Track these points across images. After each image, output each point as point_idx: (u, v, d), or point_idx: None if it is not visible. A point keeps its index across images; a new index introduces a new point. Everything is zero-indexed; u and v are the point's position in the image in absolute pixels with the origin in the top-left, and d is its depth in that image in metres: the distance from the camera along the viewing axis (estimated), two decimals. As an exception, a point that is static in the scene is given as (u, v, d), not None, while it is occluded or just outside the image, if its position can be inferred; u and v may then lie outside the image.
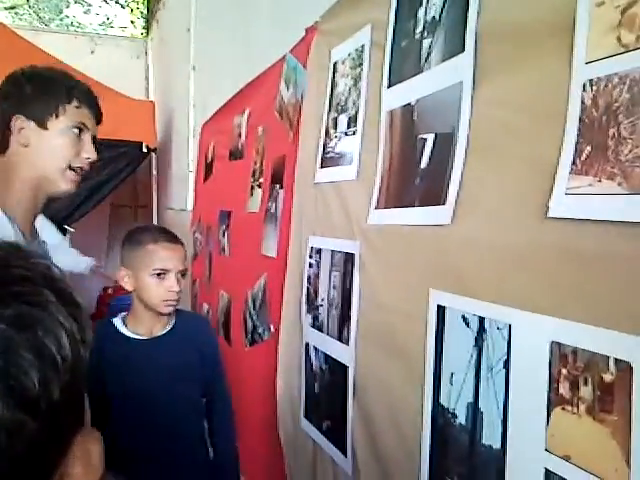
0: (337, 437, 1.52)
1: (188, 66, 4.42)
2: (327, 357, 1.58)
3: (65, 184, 1.37)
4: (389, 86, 1.37)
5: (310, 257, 1.71)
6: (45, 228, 2.65)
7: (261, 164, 2.39)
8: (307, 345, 1.71)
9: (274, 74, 2.37)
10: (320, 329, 1.62)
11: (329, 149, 1.67)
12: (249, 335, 2.26)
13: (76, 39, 7.84)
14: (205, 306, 3.26)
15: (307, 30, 1.93)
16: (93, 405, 1.41)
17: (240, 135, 2.81)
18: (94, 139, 1.42)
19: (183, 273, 1.64)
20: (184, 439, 1.61)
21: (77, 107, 1.37)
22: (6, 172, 1.36)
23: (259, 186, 2.38)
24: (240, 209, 2.61)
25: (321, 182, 1.69)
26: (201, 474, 1.63)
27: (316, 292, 1.66)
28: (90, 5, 12.63)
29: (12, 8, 13.59)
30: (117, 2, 10.36)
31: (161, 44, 6.35)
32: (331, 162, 1.64)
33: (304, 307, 1.73)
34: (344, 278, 1.50)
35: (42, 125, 1.34)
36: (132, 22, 9.24)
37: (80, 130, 1.38)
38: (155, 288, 1.60)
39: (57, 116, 1.35)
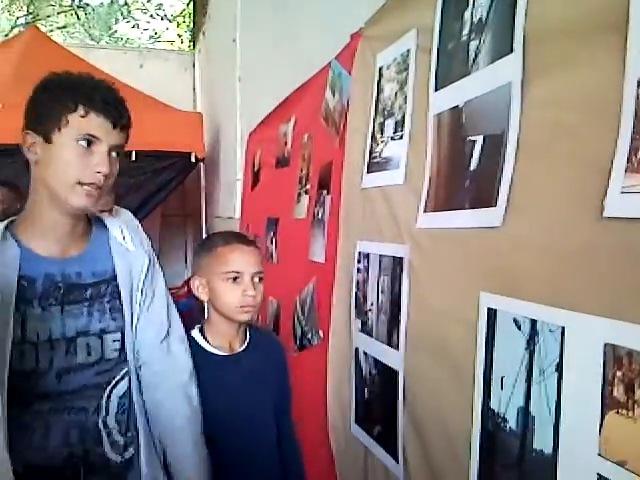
0: (388, 443, 1.51)
1: (234, 77, 4.48)
2: (377, 362, 1.58)
3: (76, 201, 1.23)
4: (436, 89, 1.37)
5: (358, 262, 1.71)
6: None
7: (307, 171, 2.40)
8: (357, 350, 1.71)
9: (319, 81, 2.39)
10: (369, 334, 1.62)
11: (376, 154, 1.67)
12: (298, 341, 2.27)
13: (125, 54, 8.05)
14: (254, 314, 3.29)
15: (352, 36, 1.95)
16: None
17: (286, 143, 2.83)
18: (115, 148, 1.26)
19: (260, 277, 1.52)
20: (264, 459, 1.53)
21: (83, 116, 1.21)
22: (31, 193, 1.30)
23: (306, 192, 2.40)
24: (287, 216, 2.63)
25: (368, 187, 1.69)
26: None
27: (365, 297, 1.66)
28: (137, 20, 12.94)
29: (64, 27, 14.03)
30: (164, 16, 10.60)
31: (207, 56, 6.46)
32: (378, 167, 1.64)
33: (353, 312, 1.73)
34: (393, 282, 1.50)
35: (47, 139, 1.22)
36: (179, 35, 9.46)
37: (89, 142, 1.22)
38: (230, 293, 1.48)
39: (59, 129, 1.21)
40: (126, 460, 1.35)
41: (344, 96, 1.99)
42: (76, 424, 1.29)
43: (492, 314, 1.08)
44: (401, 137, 1.53)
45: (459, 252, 1.21)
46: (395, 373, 1.46)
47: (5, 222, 1.29)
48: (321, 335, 2.03)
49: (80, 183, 1.21)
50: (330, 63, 2.20)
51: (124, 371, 1.36)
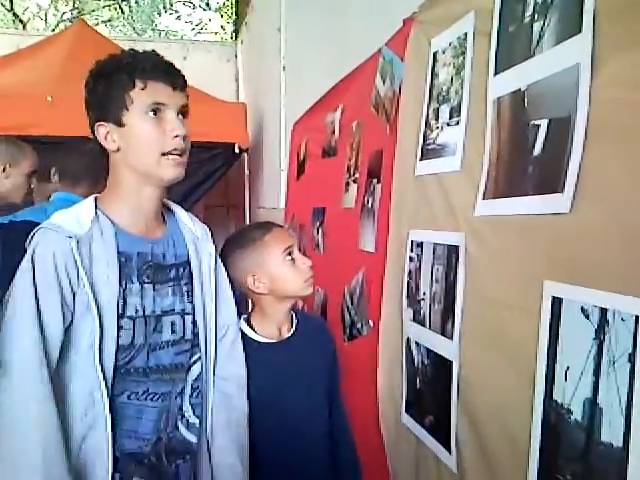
0: (440, 433, 1.49)
1: (279, 66, 4.47)
2: (429, 352, 1.55)
3: (167, 173, 1.27)
4: (496, 73, 1.33)
5: (411, 251, 1.69)
6: None
7: (356, 159, 2.38)
8: (408, 340, 1.69)
9: (369, 69, 2.37)
10: (422, 324, 1.60)
11: (430, 140, 1.64)
12: (347, 330, 2.26)
13: (169, 47, 8.13)
14: (300, 302, 3.29)
15: (404, 22, 1.91)
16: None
17: (333, 132, 2.81)
18: (181, 110, 1.29)
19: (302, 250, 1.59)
20: (316, 446, 1.54)
21: (142, 88, 1.24)
22: (111, 178, 1.35)
23: (354, 181, 2.38)
24: (335, 205, 2.62)
25: (422, 174, 1.66)
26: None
27: (417, 286, 1.64)
28: (179, 12, 13.06)
29: (108, 21, 14.25)
30: (207, 6, 10.64)
31: (251, 46, 6.47)
32: (433, 154, 1.61)
33: (405, 301, 1.71)
34: (447, 271, 1.47)
35: (119, 123, 1.26)
36: (222, 27, 9.51)
37: (156, 110, 1.25)
38: (292, 271, 1.50)
39: (126, 108, 1.25)
40: (200, 441, 1.42)
41: (395, 83, 1.97)
42: (164, 409, 1.35)
43: (557, 303, 1.05)
44: (457, 123, 1.50)
45: (520, 239, 1.18)
46: (449, 363, 1.44)
47: (91, 199, 1.34)
48: (371, 325, 2.01)
49: (163, 154, 1.26)
50: (380, 50, 2.17)
51: (197, 355, 1.42)
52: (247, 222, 5.29)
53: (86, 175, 2.34)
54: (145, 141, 1.25)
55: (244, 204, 5.43)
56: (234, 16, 8.20)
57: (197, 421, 1.42)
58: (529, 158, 1.16)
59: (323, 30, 3.59)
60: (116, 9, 14.24)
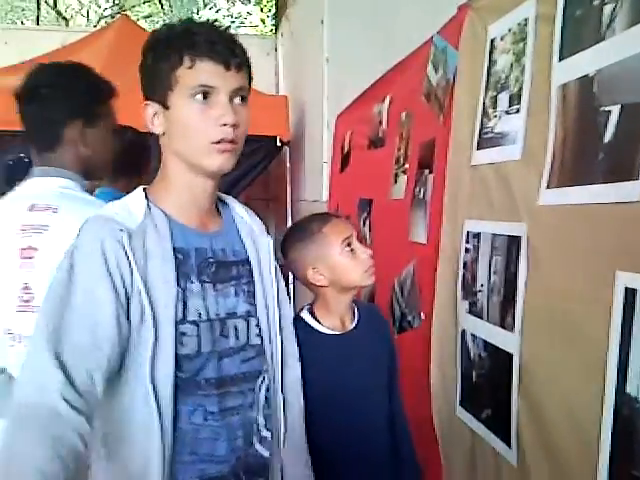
0: (499, 427, 1.47)
1: (321, 59, 4.45)
2: (487, 344, 1.53)
3: (211, 164, 1.12)
4: (561, 59, 1.30)
5: (466, 242, 1.66)
6: None
7: (406, 150, 2.36)
8: (463, 332, 1.66)
9: (418, 59, 2.33)
10: (479, 316, 1.57)
11: (487, 129, 1.61)
12: (397, 323, 2.24)
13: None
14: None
15: (459, 8, 1.88)
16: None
17: (381, 123, 2.79)
18: (237, 93, 1.12)
19: (360, 240, 1.54)
20: (377, 439, 1.50)
21: (190, 67, 1.08)
22: (161, 165, 1.21)
23: (404, 172, 2.35)
24: (383, 196, 2.59)
25: (479, 164, 1.63)
26: (390, 470, 1.53)
27: (474, 278, 1.61)
28: (218, 7, 13.13)
29: (149, 16, 14.41)
30: (247, 0, 10.67)
31: (292, 39, 6.47)
32: (491, 143, 1.58)
33: (460, 293, 1.68)
34: (507, 262, 1.44)
35: (164, 105, 1.12)
36: (262, 20, 9.53)
37: (205, 93, 1.09)
38: (352, 262, 1.46)
39: (171, 89, 1.10)
40: (272, 455, 1.27)
41: (449, 72, 1.93)
42: (239, 426, 1.19)
43: (630, 294, 1.02)
44: (518, 110, 1.46)
45: (589, 229, 1.14)
46: (509, 356, 1.41)
47: (140, 190, 1.20)
48: (422, 317, 1.99)
49: (212, 143, 1.10)
50: (432, 38, 2.14)
51: (264, 363, 1.26)
52: (289, 215, 5.30)
53: (127, 167, 2.26)
54: (190, 129, 1.11)
55: (285, 197, 5.44)
56: (274, 9, 8.17)
57: (269, 434, 1.25)
58: (599, 145, 1.13)
59: (368, 21, 3.55)
60: (156, 4, 14.38)
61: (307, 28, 5.23)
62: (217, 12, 12.72)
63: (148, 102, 1.15)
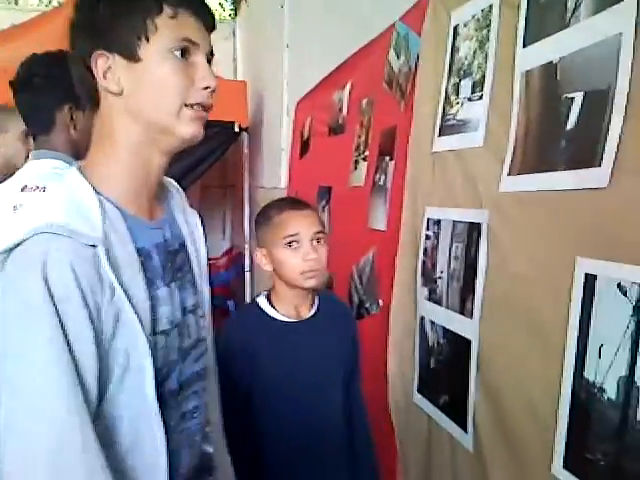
0: (456, 412, 1.47)
1: (282, 44, 4.41)
2: (446, 331, 1.53)
3: (188, 130, 0.95)
4: (525, 45, 1.30)
5: (427, 229, 1.66)
6: None
7: (366, 137, 2.34)
8: (422, 319, 1.66)
9: (381, 45, 2.32)
10: (438, 302, 1.57)
11: (449, 116, 1.60)
12: (355, 310, 2.23)
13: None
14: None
15: (423, -5, 1.87)
16: (232, 396, 1.36)
17: (341, 110, 2.77)
18: (210, 57, 0.98)
19: (319, 237, 1.45)
20: (332, 428, 1.49)
21: (172, 17, 0.92)
22: (103, 138, 0.97)
23: (364, 159, 2.34)
24: (342, 184, 2.58)
25: (440, 151, 1.63)
26: (345, 465, 1.51)
27: (434, 264, 1.61)
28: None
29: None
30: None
31: (251, 24, 6.38)
32: (452, 129, 1.58)
33: (419, 280, 1.68)
34: (467, 249, 1.44)
35: (131, 56, 0.92)
36: (220, 4, 9.37)
37: (184, 50, 0.94)
38: (291, 260, 1.43)
39: (147, 38, 0.91)
40: (216, 451, 1.17)
41: (411, 58, 1.93)
42: (198, 430, 1.09)
43: (590, 280, 1.03)
44: (480, 97, 1.46)
45: (550, 215, 1.15)
46: (467, 342, 1.41)
47: (76, 174, 0.95)
48: (380, 304, 1.99)
49: (186, 105, 0.94)
50: (394, 25, 2.13)
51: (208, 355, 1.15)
52: (245, 202, 5.25)
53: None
54: (166, 87, 0.93)
55: (242, 184, 5.38)
56: (233, -7, 8.04)
57: (210, 429, 1.15)
58: (561, 132, 1.13)
59: (329, 7, 3.53)
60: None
61: (267, 13, 5.16)
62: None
63: (103, 52, 0.92)
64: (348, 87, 2.70)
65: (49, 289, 0.81)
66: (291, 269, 1.45)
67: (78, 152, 1.57)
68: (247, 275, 5.04)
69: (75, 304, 0.82)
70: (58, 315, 0.81)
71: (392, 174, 2.00)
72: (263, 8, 5.44)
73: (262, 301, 1.51)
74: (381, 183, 2.09)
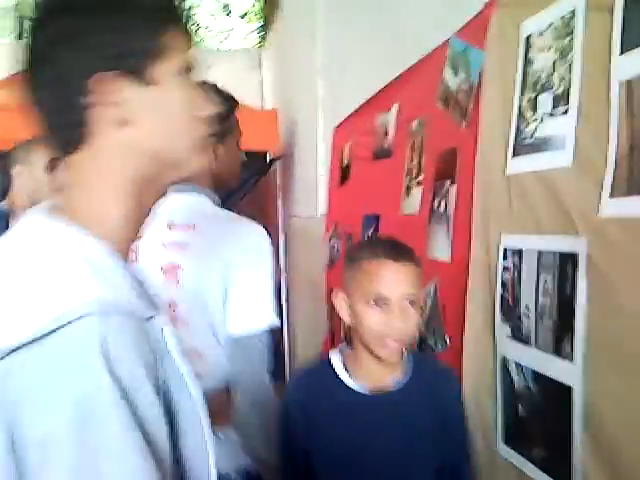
0: (555, 468, 1.30)
1: (314, 70, 4.31)
2: (537, 374, 1.36)
3: (201, 162, 0.84)
4: (622, 52, 1.15)
5: (504, 259, 1.50)
6: None
7: (419, 160, 2.20)
8: (504, 359, 1.50)
9: (430, 64, 2.19)
10: (525, 342, 1.41)
11: (526, 134, 1.45)
12: (415, 347, 2.07)
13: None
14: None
15: (485, 5, 1.73)
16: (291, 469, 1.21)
17: (386, 133, 2.63)
18: None
19: (411, 300, 1.22)
20: None
21: (185, 34, 0.80)
22: (93, 178, 0.77)
23: (418, 184, 2.19)
24: (392, 211, 2.43)
25: (516, 173, 1.48)
26: None
27: (516, 299, 1.44)
28: (198, 24, 12.98)
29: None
30: (228, 14, 10.48)
31: (280, 52, 6.33)
32: (531, 149, 1.42)
33: (498, 316, 1.52)
34: (561, 282, 1.28)
35: (144, 80, 0.75)
36: (247, 34, 9.39)
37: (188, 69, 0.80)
38: (371, 320, 1.21)
39: (159, 57, 0.76)
40: None
41: (473, 74, 1.79)
42: None
43: None
44: (565, 112, 1.31)
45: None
46: (567, 389, 1.24)
47: (76, 233, 0.73)
48: (448, 341, 1.82)
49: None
50: (448, 42, 2.00)
51: None
52: (280, 233, 5.13)
53: None
54: (186, 112, 0.79)
55: (276, 214, 5.27)
56: (261, 22, 8.05)
57: None
58: (684, 146, 0.98)
59: (365, 31, 3.42)
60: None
61: (298, 39, 5.09)
62: (198, 28, 12.56)
63: (104, 72, 0.73)
64: (395, 109, 2.57)
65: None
66: (369, 331, 1.24)
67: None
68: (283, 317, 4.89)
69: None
70: None
71: (454, 200, 1.85)
72: (293, 35, 5.37)
73: (336, 361, 1.30)
74: (442, 210, 1.94)
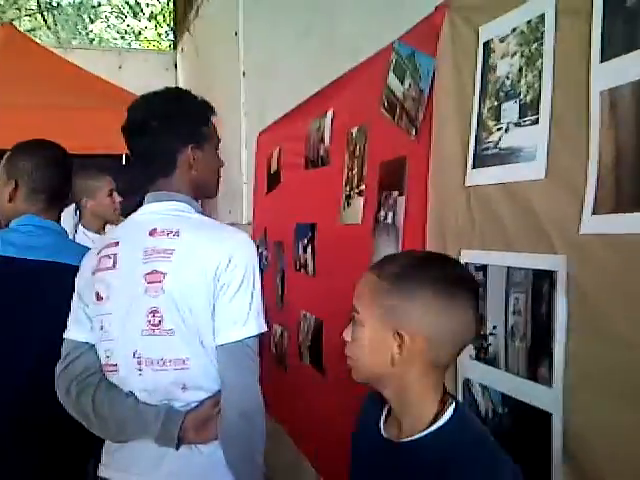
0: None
1: (237, 73, 4.16)
2: (507, 398, 1.29)
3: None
4: (603, 60, 1.09)
5: (466, 275, 1.42)
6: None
7: (361, 169, 2.11)
8: (467, 382, 1.42)
9: (371, 69, 2.11)
10: (492, 363, 1.33)
11: (488, 144, 1.38)
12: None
13: (103, 55, 7.68)
14: (277, 328, 2.98)
15: (436, 9, 1.65)
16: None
17: (322, 140, 2.53)
18: None
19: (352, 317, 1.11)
20: None
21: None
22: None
23: (359, 194, 2.10)
24: (330, 221, 2.33)
25: (478, 184, 1.40)
26: None
27: (480, 318, 1.37)
28: (107, 20, 12.45)
29: (32, 30, 13.47)
30: (135, 16, 10.15)
31: (196, 54, 6.13)
32: (495, 160, 1.35)
33: (460, 336, 1.44)
34: (535, 301, 1.21)
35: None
36: (159, 34, 9.10)
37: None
38: None
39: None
40: None
41: (422, 81, 1.71)
42: None
43: None
44: (535, 121, 1.24)
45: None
46: (545, 415, 1.17)
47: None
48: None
49: None
50: (393, 45, 1.91)
51: None
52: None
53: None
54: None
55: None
56: (172, 24, 7.80)
57: None
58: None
59: (294, 33, 3.31)
60: (37, 19, 13.47)
61: (216, 41, 4.92)
62: (108, 27, 12.08)
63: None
64: (330, 115, 2.47)
65: None
66: None
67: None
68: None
69: None
70: None
71: (403, 211, 1.77)
72: (212, 36, 5.19)
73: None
74: (388, 221, 1.85)
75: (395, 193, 1.82)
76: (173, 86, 1.66)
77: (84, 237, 3.04)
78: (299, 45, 3.17)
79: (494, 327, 1.32)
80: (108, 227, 3.27)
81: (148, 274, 1.41)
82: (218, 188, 1.74)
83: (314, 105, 2.68)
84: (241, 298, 1.40)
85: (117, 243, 1.50)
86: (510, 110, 1.33)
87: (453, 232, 1.50)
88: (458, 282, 1.05)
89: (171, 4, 7.91)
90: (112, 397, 1.44)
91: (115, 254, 1.48)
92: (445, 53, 1.60)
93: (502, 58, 1.37)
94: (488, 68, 1.42)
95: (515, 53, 1.33)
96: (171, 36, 8.10)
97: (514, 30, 1.34)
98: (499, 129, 1.36)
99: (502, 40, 1.38)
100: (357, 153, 2.16)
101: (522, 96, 1.29)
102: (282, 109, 3.12)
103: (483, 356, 1.36)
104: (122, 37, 11.52)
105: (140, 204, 4.57)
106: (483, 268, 1.37)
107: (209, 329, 1.39)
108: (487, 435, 1.03)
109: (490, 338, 1.33)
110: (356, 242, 2.08)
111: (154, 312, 1.40)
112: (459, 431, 1.00)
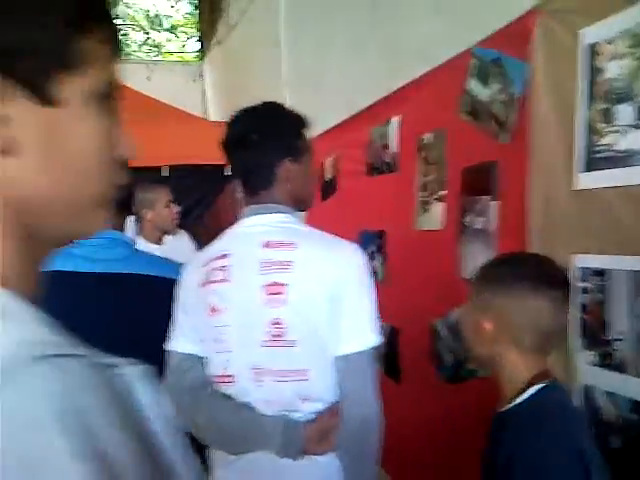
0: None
1: (278, 82, 4.17)
2: (637, 404, 1.27)
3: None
4: None
5: (582, 280, 1.41)
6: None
7: (440, 175, 2.10)
8: (588, 388, 1.40)
9: (441, 75, 2.11)
10: (618, 369, 1.32)
11: (602, 148, 1.37)
12: (449, 370, 1.96)
13: (130, 67, 7.74)
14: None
15: (528, 13, 1.64)
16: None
17: (386, 146, 2.53)
18: None
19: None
20: None
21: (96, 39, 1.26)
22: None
23: (438, 200, 2.09)
24: (403, 227, 2.33)
25: (591, 188, 1.39)
26: None
27: (604, 323, 1.35)
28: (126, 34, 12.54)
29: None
30: (159, 27, 10.19)
31: (227, 64, 6.16)
32: (611, 163, 1.34)
33: (579, 342, 1.43)
34: (668, 305, 1.20)
35: (41, 93, 1.17)
36: (183, 46, 9.16)
37: None
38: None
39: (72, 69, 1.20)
40: None
41: (514, 85, 1.70)
42: None
43: None
44: (656, 124, 1.23)
45: None
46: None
47: None
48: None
49: None
50: (472, 51, 1.91)
51: None
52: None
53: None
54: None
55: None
56: (199, 35, 7.84)
57: None
58: None
59: (345, 45, 3.31)
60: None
61: (254, 50, 4.94)
62: (131, 42, 12.14)
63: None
64: (395, 122, 2.46)
65: None
66: None
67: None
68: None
69: None
70: None
71: (496, 216, 1.76)
72: (248, 45, 5.21)
73: None
74: (478, 226, 1.84)
75: (485, 198, 1.81)
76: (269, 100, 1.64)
77: (145, 249, 3.05)
78: (350, 57, 3.16)
79: (619, 333, 1.31)
80: (166, 238, 3.29)
81: (268, 285, 1.40)
82: (313, 201, 1.72)
83: (374, 113, 2.68)
84: (361, 308, 1.40)
85: (225, 255, 1.49)
86: (624, 112, 1.32)
87: (565, 237, 1.48)
88: (545, 277, 1.14)
89: (195, 15, 7.94)
90: (229, 408, 1.44)
91: (225, 266, 1.46)
92: (540, 57, 1.59)
93: (611, 60, 1.36)
94: (596, 71, 1.41)
95: (624, 55, 1.32)
96: (195, 47, 8.13)
97: (623, 31, 1.32)
98: (611, 132, 1.35)
99: (611, 42, 1.36)
100: (431, 159, 2.15)
101: (637, 98, 1.28)
102: (335, 117, 3.13)
103: (606, 362, 1.34)
104: (147, 52, 11.53)
105: (185, 214, 4.56)
106: (601, 273, 1.36)
107: (330, 340, 1.39)
108: (557, 413, 1.10)
109: (616, 344, 1.32)
110: (435, 247, 2.08)
111: (276, 323, 1.39)
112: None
